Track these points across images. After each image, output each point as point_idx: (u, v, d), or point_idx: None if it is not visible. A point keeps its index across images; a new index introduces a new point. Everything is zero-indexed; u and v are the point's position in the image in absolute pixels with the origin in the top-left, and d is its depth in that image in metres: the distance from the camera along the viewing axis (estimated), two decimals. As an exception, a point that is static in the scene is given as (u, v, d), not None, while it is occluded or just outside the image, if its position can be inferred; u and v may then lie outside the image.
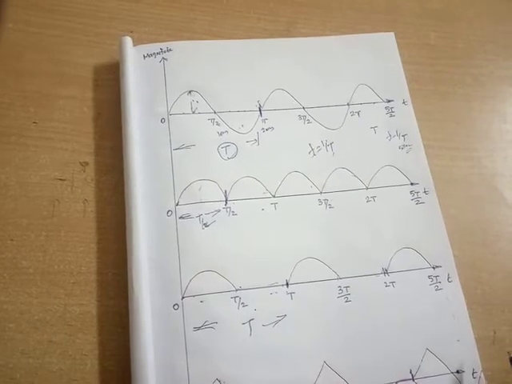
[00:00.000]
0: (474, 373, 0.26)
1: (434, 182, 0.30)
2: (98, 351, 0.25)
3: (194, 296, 0.26)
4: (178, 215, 0.27)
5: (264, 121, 0.31)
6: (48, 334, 0.25)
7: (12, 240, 0.27)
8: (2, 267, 0.26)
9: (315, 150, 0.30)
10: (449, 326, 0.27)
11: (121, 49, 0.31)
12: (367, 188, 0.30)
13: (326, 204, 0.29)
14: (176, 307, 0.25)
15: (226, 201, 0.28)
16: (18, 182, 0.28)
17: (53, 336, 0.25)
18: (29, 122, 0.30)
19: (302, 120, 0.31)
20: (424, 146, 0.31)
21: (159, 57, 0.31)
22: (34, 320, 0.25)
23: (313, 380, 0.25)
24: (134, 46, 0.31)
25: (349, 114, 0.32)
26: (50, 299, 0.26)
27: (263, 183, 0.29)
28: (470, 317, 0.27)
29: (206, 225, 0.27)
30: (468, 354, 0.26)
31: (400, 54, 0.34)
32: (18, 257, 0.26)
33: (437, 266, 0.28)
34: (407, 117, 0.32)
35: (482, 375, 0.26)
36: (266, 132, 0.30)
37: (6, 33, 0.32)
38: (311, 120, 0.31)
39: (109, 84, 0.31)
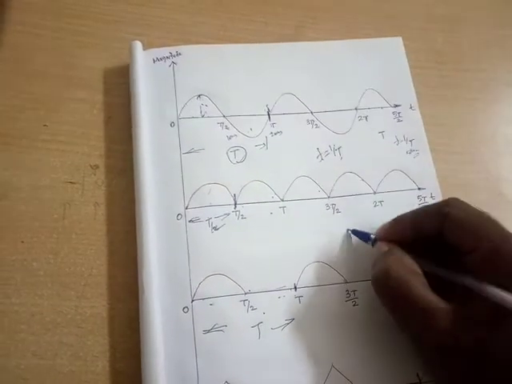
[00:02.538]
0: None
1: (440, 187, 0.30)
2: (109, 353, 0.25)
3: (203, 299, 0.26)
4: (188, 219, 0.28)
5: (272, 125, 0.31)
6: (59, 336, 0.25)
7: (23, 242, 0.27)
8: (13, 269, 0.26)
9: (323, 155, 0.31)
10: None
11: (131, 53, 0.31)
12: (375, 193, 0.30)
13: (333, 209, 0.29)
14: (186, 310, 0.26)
15: (235, 204, 0.28)
16: (29, 184, 0.28)
17: (64, 338, 0.25)
18: (39, 125, 0.30)
19: (310, 124, 0.31)
20: (431, 150, 0.31)
21: (169, 61, 0.31)
22: (46, 322, 0.26)
23: (321, 383, 0.25)
24: (144, 50, 0.32)
25: (356, 119, 0.32)
26: (61, 301, 0.26)
27: (272, 187, 0.29)
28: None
29: (215, 228, 0.28)
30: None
31: (407, 59, 0.34)
32: (29, 259, 0.27)
33: (444, 271, 0.28)
34: (414, 122, 0.32)
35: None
36: (274, 136, 0.31)
37: (15, 36, 0.32)
38: (319, 124, 0.31)
39: (119, 87, 0.31)
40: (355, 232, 0.28)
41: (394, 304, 0.24)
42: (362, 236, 0.27)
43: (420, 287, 0.22)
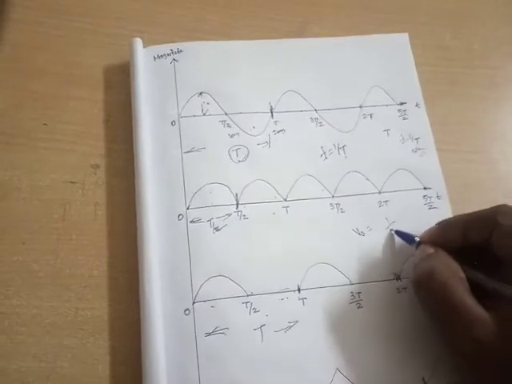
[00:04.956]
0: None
1: (448, 187, 0.30)
2: (110, 356, 0.25)
3: (205, 301, 0.25)
4: (189, 219, 0.27)
5: (275, 123, 0.30)
6: (59, 338, 0.25)
7: (23, 243, 0.27)
8: (13, 270, 0.26)
9: (327, 153, 0.30)
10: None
11: (131, 50, 0.31)
12: (380, 192, 0.29)
13: (337, 208, 0.29)
14: (187, 312, 0.25)
15: (237, 204, 0.28)
16: (30, 184, 0.28)
17: (64, 340, 0.25)
18: (39, 124, 0.30)
19: (314, 122, 0.31)
20: (438, 149, 0.31)
21: (170, 58, 0.31)
22: (46, 324, 0.25)
23: (325, 387, 0.24)
24: (145, 47, 0.31)
25: (361, 117, 0.31)
26: (62, 303, 0.26)
27: (274, 187, 0.29)
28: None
29: (217, 229, 0.27)
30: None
31: (414, 56, 0.33)
32: (30, 260, 0.26)
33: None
34: (420, 120, 0.32)
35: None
36: (277, 134, 0.30)
37: (15, 34, 0.32)
38: (323, 122, 0.31)
39: (119, 85, 0.31)
40: (398, 233, 0.27)
41: (434, 307, 0.23)
42: (406, 237, 0.27)
43: (463, 293, 0.22)
